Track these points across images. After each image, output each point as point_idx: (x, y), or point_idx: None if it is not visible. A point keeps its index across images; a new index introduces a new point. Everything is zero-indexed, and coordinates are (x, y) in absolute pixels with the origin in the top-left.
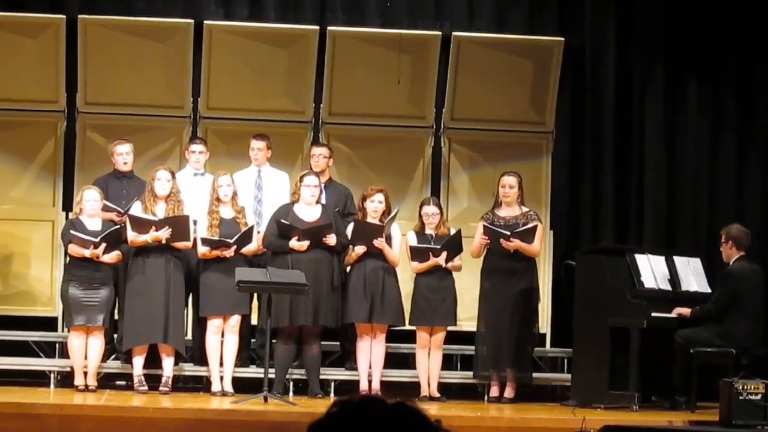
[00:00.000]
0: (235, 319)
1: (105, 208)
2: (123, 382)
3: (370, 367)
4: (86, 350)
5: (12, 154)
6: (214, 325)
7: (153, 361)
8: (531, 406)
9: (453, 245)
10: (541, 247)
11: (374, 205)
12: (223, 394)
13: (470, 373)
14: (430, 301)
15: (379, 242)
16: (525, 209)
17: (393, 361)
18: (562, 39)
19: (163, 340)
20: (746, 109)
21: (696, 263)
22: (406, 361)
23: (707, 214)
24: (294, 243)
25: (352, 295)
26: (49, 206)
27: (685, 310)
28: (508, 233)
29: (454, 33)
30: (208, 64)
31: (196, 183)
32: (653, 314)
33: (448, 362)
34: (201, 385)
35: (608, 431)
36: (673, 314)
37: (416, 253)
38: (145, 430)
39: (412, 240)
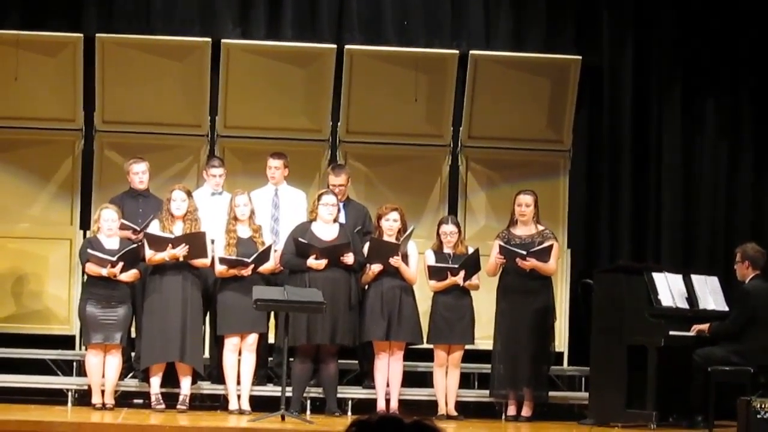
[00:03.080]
0: (253, 338)
1: (122, 227)
2: (140, 401)
3: (387, 386)
4: (104, 368)
5: (30, 173)
6: (231, 343)
7: (170, 379)
8: (548, 425)
9: (471, 264)
10: (557, 266)
11: (389, 224)
12: (241, 412)
13: (487, 392)
14: (448, 319)
15: (395, 260)
16: (541, 228)
17: (410, 379)
18: (579, 57)
19: (181, 359)
20: (764, 127)
21: (713, 282)
22: (424, 380)
23: (725, 233)
24: (312, 262)
25: (369, 314)
26: (67, 225)
27: (704, 326)
28: (524, 253)
29: (471, 51)
30: (225, 83)
31: (214, 202)
32: (671, 333)
33: (465, 381)
34: (218, 403)
35: None
36: (692, 331)
37: (434, 272)
38: None
39: (430, 259)
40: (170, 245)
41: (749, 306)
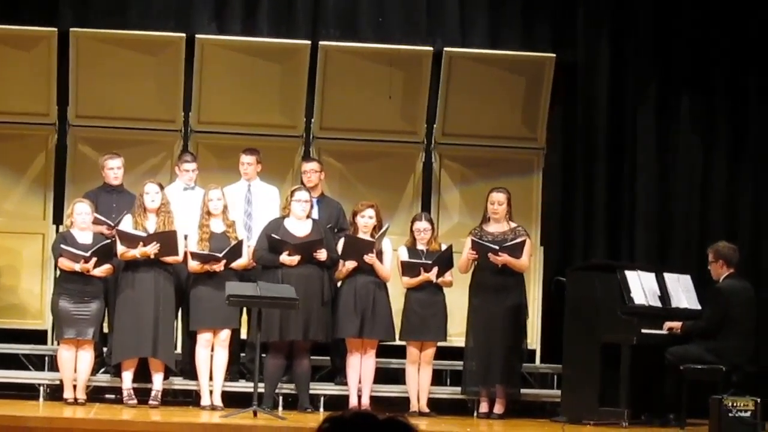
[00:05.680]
0: (225, 333)
1: (95, 221)
2: (112, 396)
3: (360, 382)
4: (76, 363)
5: (3, 167)
6: (204, 339)
7: (142, 374)
8: (521, 422)
9: (444, 261)
10: (530, 263)
11: (365, 221)
12: (213, 408)
13: (460, 389)
14: (421, 316)
15: (370, 258)
16: (513, 225)
17: (383, 376)
18: (554, 55)
19: (153, 354)
20: (738, 125)
21: (686, 280)
22: (396, 377)
23: (699, 230)
24: (285, 258)
25: (342, 310)
26: (40, 219)
27: (676, 324)
28: (497, 247)
29: (446, 49)
30: (200, 78)
31: (186, 197)
32: (644, 331)
33: (437, 378)
34: (190, 399)
35: None
36: (664, 328)
37: (407, 269)
38: None
39: (404, 255)
40: (141, 243)
41: (722, 305)
